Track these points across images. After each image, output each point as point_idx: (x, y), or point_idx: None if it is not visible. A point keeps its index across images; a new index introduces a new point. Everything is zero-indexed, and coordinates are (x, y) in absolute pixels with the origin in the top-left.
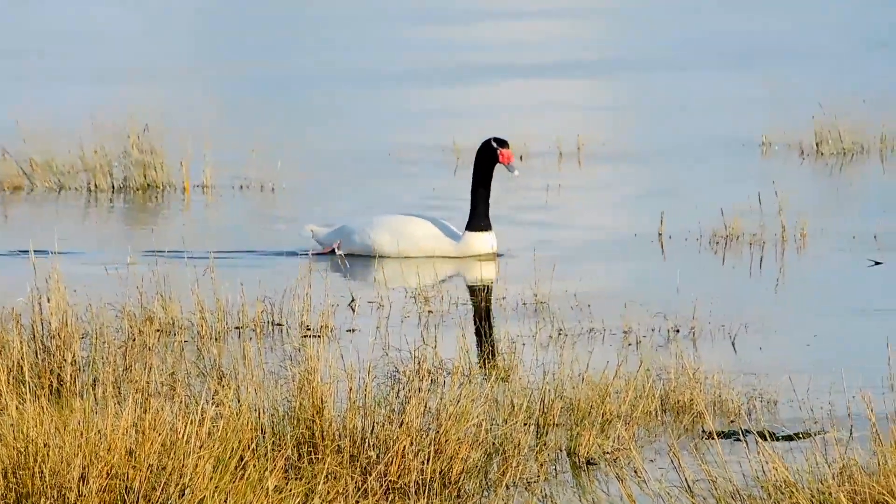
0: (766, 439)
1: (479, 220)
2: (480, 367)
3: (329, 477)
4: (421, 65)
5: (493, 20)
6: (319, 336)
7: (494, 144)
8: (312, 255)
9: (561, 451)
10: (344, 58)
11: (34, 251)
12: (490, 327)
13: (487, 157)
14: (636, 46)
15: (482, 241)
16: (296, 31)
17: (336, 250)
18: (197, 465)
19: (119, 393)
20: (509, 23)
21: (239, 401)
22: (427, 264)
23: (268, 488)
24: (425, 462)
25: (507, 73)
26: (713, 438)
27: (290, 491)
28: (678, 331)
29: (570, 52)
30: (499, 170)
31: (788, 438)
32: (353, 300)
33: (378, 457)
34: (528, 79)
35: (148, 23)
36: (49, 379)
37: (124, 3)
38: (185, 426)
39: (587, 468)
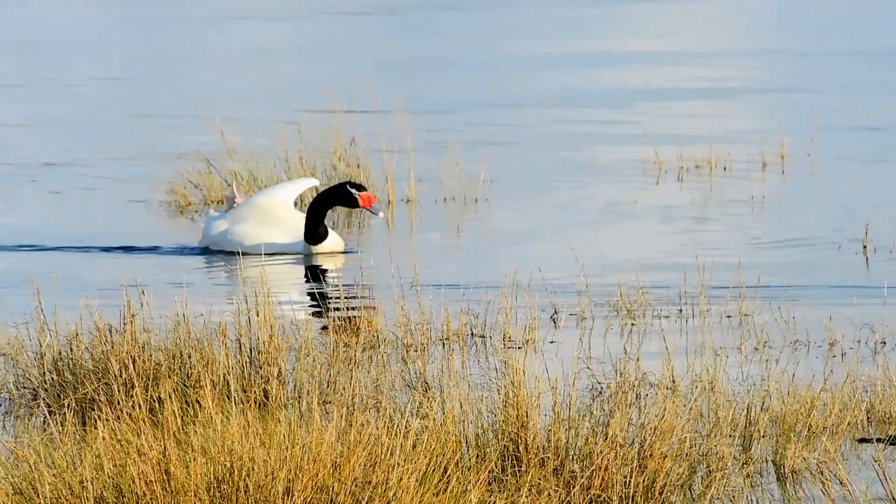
0: None
1: (315, 232)
2: (684, 379)
3: (532, 490)
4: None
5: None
6: (522, 348)
7: (353, 191)
8: None
9: (766, 463)
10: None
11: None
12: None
13: (336, 198)
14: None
15: (327, 244)
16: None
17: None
18: (402, 479)
19: (323, 406)
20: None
21: (443, 413)
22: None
23: (471, 501)
24: (629, 476)
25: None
26: None
27: None
28: (884, 343)
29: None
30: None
31: None
32: (555, 312)
33: (581, 470)
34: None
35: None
36: (254, 393)
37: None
38: (390, 439)
39: (793, 480)
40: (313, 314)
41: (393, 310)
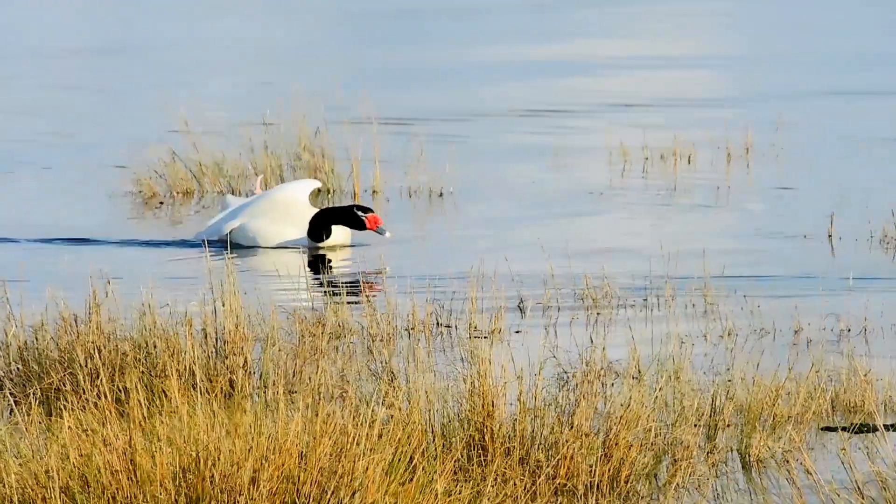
0: None
1: (318, 232)
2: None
3: (498, 479)
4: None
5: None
6: (488, 338)
7: (360, 214)
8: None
9: (732, 452)
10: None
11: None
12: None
13: (343, 218)
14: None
15: (330, 241)
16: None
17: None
18: (368, 469)
19: (289, 396)
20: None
21: (409, 403)
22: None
23: (437, 491)
24: (594, 465)
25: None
26: (885, 439)
27: (459, 493)
28: (849, 331)
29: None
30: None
31: None
32: (521, 302)
33: (547, 459)
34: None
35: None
36: (220, 383)
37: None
38: (356, 429)
39: (758, 469)
40: (283, 304)
41: (363, 301)
